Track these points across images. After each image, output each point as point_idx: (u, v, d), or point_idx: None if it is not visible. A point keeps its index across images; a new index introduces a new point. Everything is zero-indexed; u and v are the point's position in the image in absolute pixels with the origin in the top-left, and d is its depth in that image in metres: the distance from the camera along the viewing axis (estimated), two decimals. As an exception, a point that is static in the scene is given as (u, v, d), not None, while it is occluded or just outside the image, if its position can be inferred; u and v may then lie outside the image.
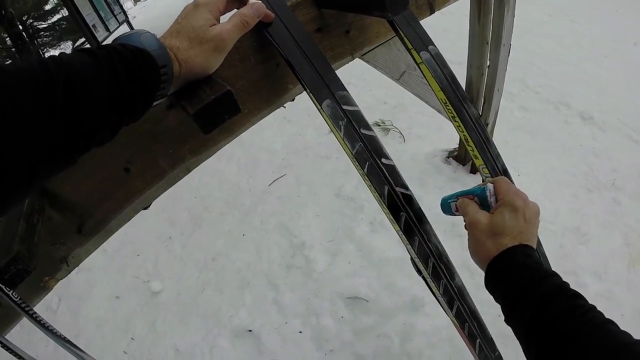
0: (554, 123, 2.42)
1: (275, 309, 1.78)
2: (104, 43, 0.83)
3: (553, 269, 0.55)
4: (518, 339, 0.50)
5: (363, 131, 0.69)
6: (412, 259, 0.77)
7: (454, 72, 0.84)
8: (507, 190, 0.58)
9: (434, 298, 0.83)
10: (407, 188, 0.70)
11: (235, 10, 0.61)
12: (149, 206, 0.75)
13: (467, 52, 1.74)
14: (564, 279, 0.50)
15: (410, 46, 0.80)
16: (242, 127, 0.82)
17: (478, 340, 0.89)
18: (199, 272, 2.02)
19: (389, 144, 2.46)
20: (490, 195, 0.59)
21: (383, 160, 0.69)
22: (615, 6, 3.96)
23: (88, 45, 2.02)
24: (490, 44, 1.64)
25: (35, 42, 8.40)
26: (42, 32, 8.70)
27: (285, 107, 0.86)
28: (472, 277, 1.54)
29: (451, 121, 0.86)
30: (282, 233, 2.05)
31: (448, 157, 2.20)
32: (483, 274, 0.57)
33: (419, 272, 0.79)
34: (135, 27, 7.66)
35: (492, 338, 0.93)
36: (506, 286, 0.52)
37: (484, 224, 0.57)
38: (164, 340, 1.80)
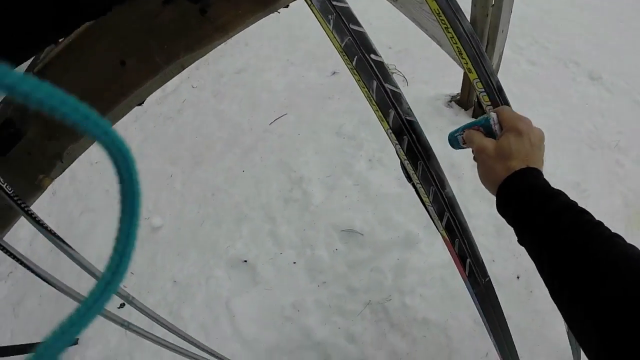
0: (561, 79, 2.35)
1: (271, 241, 1.84)
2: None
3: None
4: (532, 258, 0.51)
5: (352, 26, 0.68)
6: (401, 162, 0.77)
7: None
8: (511, 116, 0.59)
9: (426, 211, 0.81)
10: (397, 87, 0.70)
11: None
12: (142, 102, 0.76)
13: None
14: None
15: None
16: (237, 28, 0.81)
17: (468, 260, 0.88)
18: (199, 207, 2.07)
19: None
20: (494, 124, 0.60)
21: (372, 56, 0.69)
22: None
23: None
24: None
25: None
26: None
27: (279, 13, 0.85)
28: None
29: (444, 32, 0.85)
30: (282, 169, 2.07)
31: (450, 102, 2.17)
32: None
33: (408, 178, 0.79)
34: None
35: (483, 262, 0.91)
36: (517, 206, 0.53)
37: (491, 149, 0.58)
38: (162, 273, 1.86)
